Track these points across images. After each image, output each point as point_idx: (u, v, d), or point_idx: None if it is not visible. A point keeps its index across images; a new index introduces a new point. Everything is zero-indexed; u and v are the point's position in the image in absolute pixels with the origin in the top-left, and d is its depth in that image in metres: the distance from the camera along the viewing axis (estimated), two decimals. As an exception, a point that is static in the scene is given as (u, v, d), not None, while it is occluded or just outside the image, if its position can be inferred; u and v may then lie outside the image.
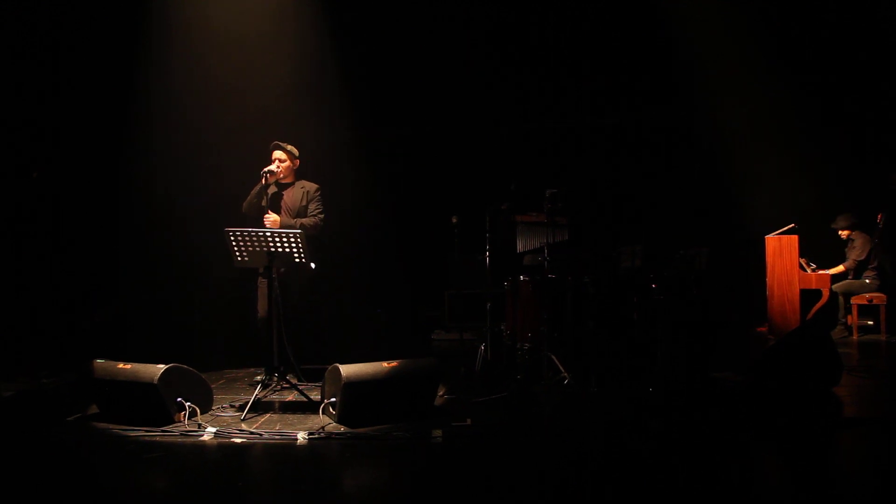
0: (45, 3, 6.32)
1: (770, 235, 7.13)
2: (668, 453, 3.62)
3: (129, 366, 4.21)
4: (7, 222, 6.44)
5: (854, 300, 7.06)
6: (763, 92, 7.27)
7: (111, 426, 4.10)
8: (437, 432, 3.93)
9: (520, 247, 5.69)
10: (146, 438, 3.90)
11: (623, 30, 7.28)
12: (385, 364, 4.21)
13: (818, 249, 7.25)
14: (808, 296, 7.09)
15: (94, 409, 4.41)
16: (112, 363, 4.26)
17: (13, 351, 5.92)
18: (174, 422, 4.12)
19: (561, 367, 4.99)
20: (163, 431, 3.99)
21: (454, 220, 5.67)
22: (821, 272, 7.09)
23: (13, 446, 3.87)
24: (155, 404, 4.10)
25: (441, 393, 4.76)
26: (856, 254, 7.08)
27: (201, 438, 3.90)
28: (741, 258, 7.52)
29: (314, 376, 4.89)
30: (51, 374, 5.54)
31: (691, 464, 3.49)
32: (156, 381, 4.06)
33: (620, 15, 7.22)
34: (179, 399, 4.16)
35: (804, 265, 7.11)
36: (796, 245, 7.02)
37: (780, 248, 7.06)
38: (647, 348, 5.18)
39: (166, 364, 4.16)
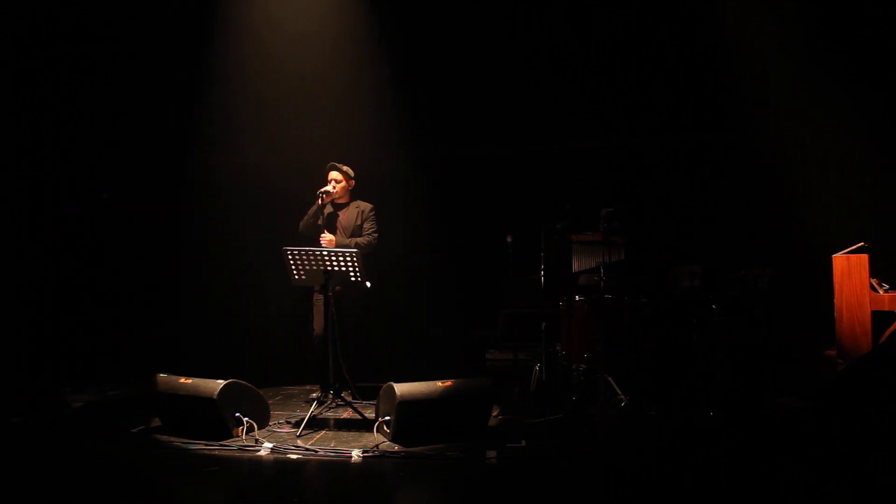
0: (101, 22, 6.62)
1: (838, 254, 6.85)
2: (728, 481, 3.49)
3: (190, 380, 4.32)
4: (79, 243, 6.74)
5: (933, 323, 6.70)
6: (828, 104, 7.02)
7: (173, 439, 4.22)
8: (492, 453, 3.89)
9: (575, 266, 5.62)
10: (206, 452, 3.99)
11: (677, 45, 7.17)
12: (439, 383, 4.20)
13: (891, 269, 6.92)
14: (881, 318, 6.76)
15: (156, 422, 4.55)
16: (174, 377, 4.38)
17: (82, 364, 6.16)
18: (232, 436, 4.21)
19: (617, 389, 4.89)
20: (221, 445, 4.07)
21: (509, 240, 5.65)
22: (895, 293, 6.76)
23: (81, 455, 4.01)
24: (214, 419, 4.19)
25: (495, 413, 4.72)
26: (938, 272, 6.74)
27: (258, 453, 3.96)
28: (807, 278, 7.24)
29: (369, 394, 4.92)
30: (117, 386, 5.74)
31: (750, 495, 3.35)
32: (215, 397, 4.15)
33: (675, 31, 7.11)
34: (238, 414, 4.24)
35: (875, 286, 6.79)
36: (866, 264, 6.71)
37: (849, 267, 6.76)
38: (706, 371, 5.02)
39: (225, 379, 4.25)
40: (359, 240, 5.26)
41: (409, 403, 4.06)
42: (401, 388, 4.07)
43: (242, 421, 4.23)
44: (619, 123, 7.56)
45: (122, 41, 6.71)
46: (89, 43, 6.68)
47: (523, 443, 4.10)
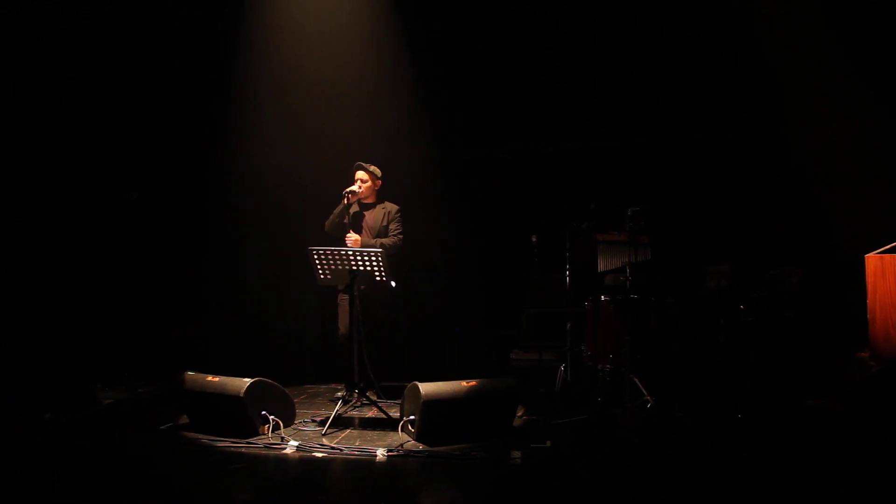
0: (125, 23, 6.71)
1: (871, 254, 6.71)
2: (756, 487, 3.44)
3: (217, 378, 4.37)
4: (107, 242, 6.86)
5: (969, 325, 6.52)
6: (860, 98, 6.87)
7: (200, 436, 4.27)
8: (516, 454, 3.88)
9: (601, 266, 5.58)
10: (232, 449, 4.04)
11: (704, 44, 7.08)
12: (464, 383, 4.20)
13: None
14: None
15: (184, 419, 4.60)
16: (202, 375, 4.43)
17: (113, 361, 6.26)
18: (259, 434, 4.25)
19: (643, 390, 4.84)
20: (248, 443, 4.11)
21: (534, 239, 5.62)
22: (929, 294, 6.60)
23: (110, 451, 4.08)
24: (241, 416, 4.23)
25: (520, 413, 4.71)
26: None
27: (284, 451, 3.99)
28: (838, 278, 7.10)
29: (393, 394, 4.93)
30: (146, 384, 5.83)
31: (773, 496, 3.29)
32: (242, 395, 4.19)
33: (702, 29, 7.02)
34: (264, 412, 4.28)
35: (910, 286, 6.64)
36: (901, 264, 6.58)
37: (883, 267, 6.62)
38: (734, 373, 4.96)
39: (252, 378, 4.29)
40: (384, 240, 5.28)
41: (434, 403, 4.06)
42: (426, 388, 4.08)
43: (269, 419, 4.27)
44: (646, 122, 7.49)
45: (148, 43, 6.80)
46: (112, 41, 6.78)
47: (548, 443, 4.08)
